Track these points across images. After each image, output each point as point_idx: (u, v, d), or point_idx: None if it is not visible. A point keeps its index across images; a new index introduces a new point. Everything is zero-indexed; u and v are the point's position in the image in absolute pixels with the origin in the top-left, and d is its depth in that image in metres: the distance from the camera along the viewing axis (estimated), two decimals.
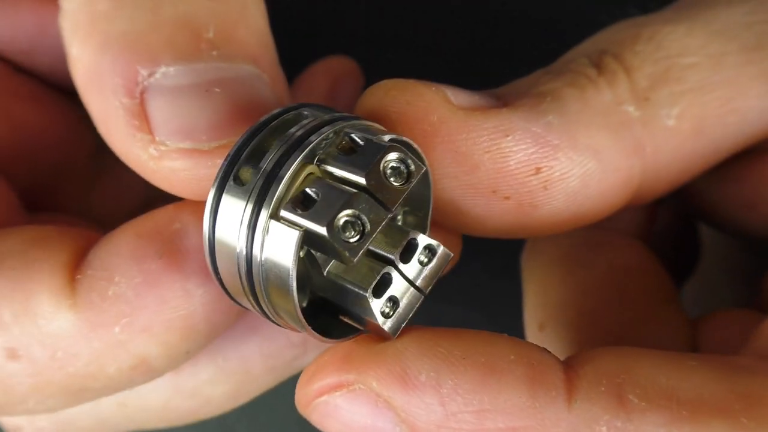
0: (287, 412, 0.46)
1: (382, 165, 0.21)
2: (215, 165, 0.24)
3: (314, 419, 0.23)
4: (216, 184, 0.22)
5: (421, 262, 0.23)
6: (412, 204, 0.25)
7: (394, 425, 0.22)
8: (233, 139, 0.24)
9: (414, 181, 0.22)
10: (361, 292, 0.22)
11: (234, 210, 0.22)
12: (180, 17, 0.24)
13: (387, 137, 0.22)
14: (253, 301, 0.23)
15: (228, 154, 0.22)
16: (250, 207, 0.21)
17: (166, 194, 0.26)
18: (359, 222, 0.21)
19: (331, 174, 0.22)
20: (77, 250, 0.26)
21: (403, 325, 0.23)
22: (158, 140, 0.24)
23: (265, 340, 0.30)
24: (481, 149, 0.24)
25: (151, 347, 0.25)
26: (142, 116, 0.24)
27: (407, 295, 0.23)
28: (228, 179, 0.22)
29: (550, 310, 0.30)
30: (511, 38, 0.43)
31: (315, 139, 0.21)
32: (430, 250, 0.23)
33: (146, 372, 0.26)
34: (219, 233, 0.22)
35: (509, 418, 0.21)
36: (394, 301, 0.23)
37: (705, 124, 0.26)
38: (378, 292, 0.23)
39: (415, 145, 0.23)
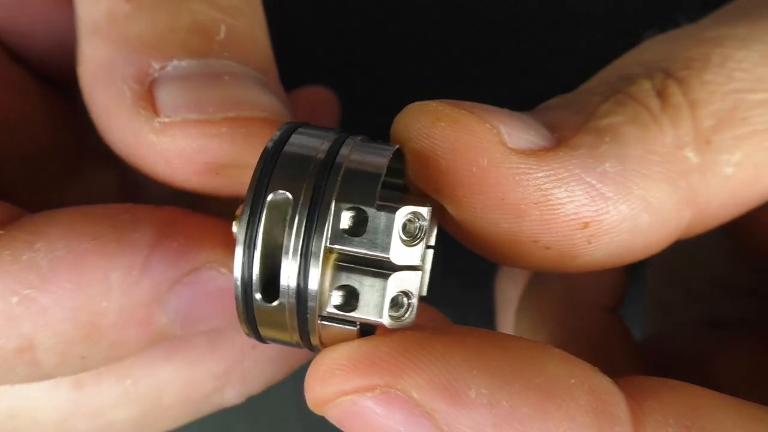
0: (287, 412, 0.46)
1: (398, 236, 0.20)
2: (220, 134, 0.23)
3: (332, 416, 0.21)
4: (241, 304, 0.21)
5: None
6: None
7: None
8: (243, 114, 0.23)
9: (429, 239, 0.21)
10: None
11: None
12: (195, 23, 0.24)
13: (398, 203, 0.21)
14: (299, 339, 0.22)
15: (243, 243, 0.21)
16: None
17: (138, 201, 0.25)
18: (405, 295, 0.21)
19: (351, 255, 0.20)
20: (8, 212, 0.24)
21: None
22: (163, 115, 0.23)
23: (183, 367, 0.27)
24: (530, 200, 0.22)
25: (44, 334, 0.22)
26: (148, 98, 0.24)
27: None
28: (252, 301, 0.21)
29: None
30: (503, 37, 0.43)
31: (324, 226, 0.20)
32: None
33: (30, 363, 0.23)
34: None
35: None
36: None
37: (763, 172, 0.23)
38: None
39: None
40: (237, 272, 0.21)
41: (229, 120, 0.23)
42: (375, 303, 0.20)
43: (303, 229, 0.20)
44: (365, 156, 0.22)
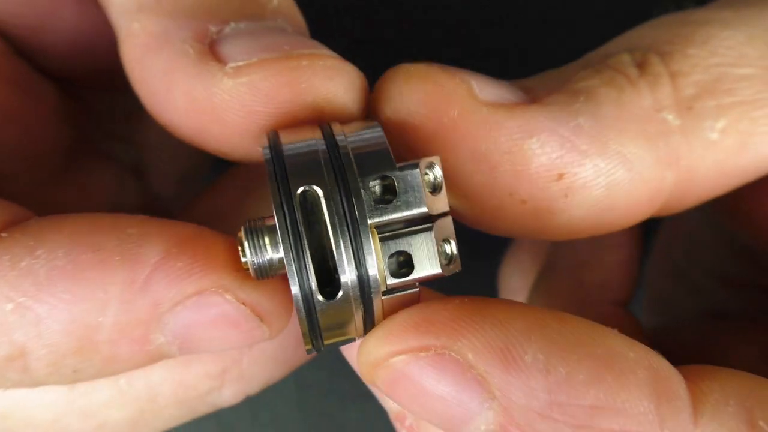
0: (287, 412, 0.45)
1: (426, 189, 0.21)
2: (300, 67, 0.22)
3: (382, 381, 0.21)
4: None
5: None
6: None
7: (481, 402, 0.20)
8: (319, 52, 0.23)
9: (439, 182, 0.22)
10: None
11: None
12: None
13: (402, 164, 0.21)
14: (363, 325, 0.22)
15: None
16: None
17: (129, 205, 0.24)
18: (447, 242, 0.21)
19: (390, 224, 0.21)
20: (11, 214, 0.23)
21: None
22: (233, 62, 0.22)
23: (178, 367, 0.26)
24: (502, 150, 0.22)
25: (36, 344, 0.22)
26: (213, 53, 0.23)
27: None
28: (315, 310, 0.21)
29: None
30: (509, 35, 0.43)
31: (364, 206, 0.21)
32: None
33: (21, 370, 0.22)
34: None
35: (627, 421, 0.19)
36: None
37: (751, 141, 0.24)
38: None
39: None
40: (294, 288, 0.20)
41: (308, 55, 0.23)
42: (428, 257, 0.21)
43: (344, 217, 0.20)
44: (360, 135, 0.22)
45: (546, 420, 0.19)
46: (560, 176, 0.22)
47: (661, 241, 0.36)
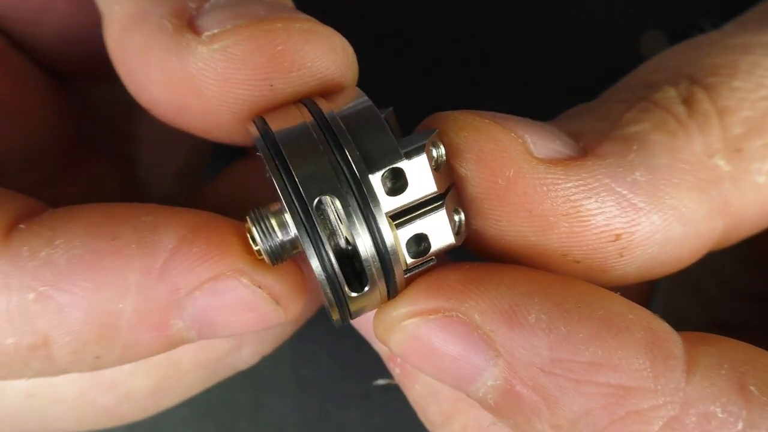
0: (287, 412, 0.45)
1: (432, 170, 0.21)
2: (274, 30, 0.22)
3: (394, 343, 0.22)
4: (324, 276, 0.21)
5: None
6: None
7: (487, 360, 0.21)
8: (295, 15, 0.22)
9: (443, 158, 0.22)
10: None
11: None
12: None
13: (406, 149, 0.21)
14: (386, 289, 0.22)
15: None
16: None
17: (129, 199, 0.24)
18: (456, 212, 0.22)
19: (405, 210, 0.21)
20: (27, 205, 0.24)
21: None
22: (209, 31, 0.22)
23: None
24: (559, 211, 0.21)
25: (59, 332, 0.22)
26: (191, 27, 0.23)
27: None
28: (344, 296, 0.22)
29: None
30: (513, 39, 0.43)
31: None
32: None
33: (44, 358, 0.23)
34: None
35: (622, 376, 0.20)
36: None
37: None
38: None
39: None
40: (315, 262, 0.21)
41: (283, 18, 0.22)
42: (443, 232, 0.21)
43: (360, 215, 0.21)
44: (352, 113, 0.22)
45: (548, 375, 0.20)
46: (617, 237, 0.22)
47: None
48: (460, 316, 0.21)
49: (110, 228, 0.22)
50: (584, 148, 0.22)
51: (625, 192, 0.21)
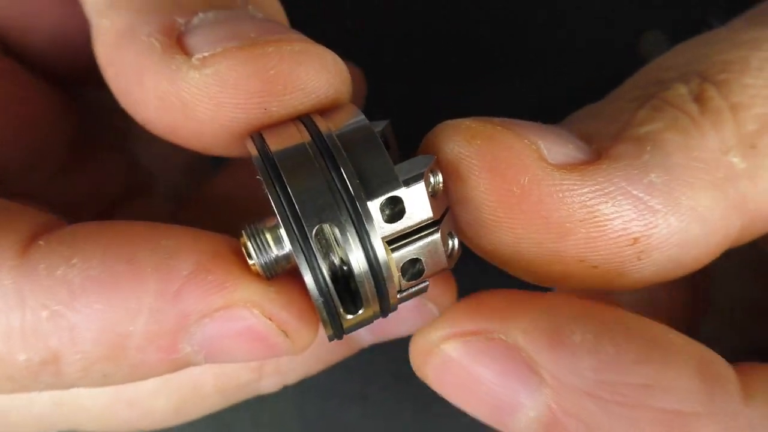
0: (287, 412, 0.45)
1: (429, 198, 0.21)
2: (266, 54, 0.22)
3: (431, 369, 0.21)
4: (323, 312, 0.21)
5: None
6: None
7: (529, 387, 0.20)
8: (287, 37, 0.22)
9: (440, 184, 0.22)
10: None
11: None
12: None
13: (403, 177, 0.21)
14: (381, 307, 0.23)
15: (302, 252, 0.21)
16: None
17: (136, 194, 0.24)
18: (450, 236, 0.22)
19: (401, 235, 0.21)
20: (45, 222, 0.23)
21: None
22: (199, 53, 0.22)
23: None
24: (576, 217, 0.21)
25: (69, 350, 0.22)
26: (179, 46, 0.22)
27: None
28: (338, 317, 0.21)
29: None
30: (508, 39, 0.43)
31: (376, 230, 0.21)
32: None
33: (54, 374, 0.23)
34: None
35: (677, 400, 0.19)
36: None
37: None
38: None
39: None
40: (308, 277, 0.21)
41: (274, 41, 0.22)
42: (437, 258, 0.21)
43: (357, 240, 0.20)
44: (349, 132, 0.22)
45: (595, 400, 0.19)
46: (635, 240, 0.21)
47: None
48: (503, 338, 0.20)
49: (128, 249, 0.22)
50: (597, 151, 0.22)
51: (641, 195, 0.21)
